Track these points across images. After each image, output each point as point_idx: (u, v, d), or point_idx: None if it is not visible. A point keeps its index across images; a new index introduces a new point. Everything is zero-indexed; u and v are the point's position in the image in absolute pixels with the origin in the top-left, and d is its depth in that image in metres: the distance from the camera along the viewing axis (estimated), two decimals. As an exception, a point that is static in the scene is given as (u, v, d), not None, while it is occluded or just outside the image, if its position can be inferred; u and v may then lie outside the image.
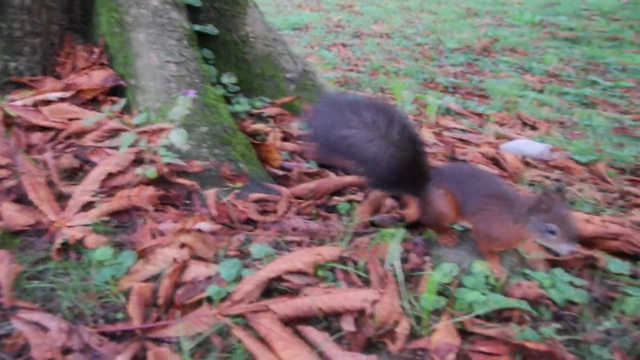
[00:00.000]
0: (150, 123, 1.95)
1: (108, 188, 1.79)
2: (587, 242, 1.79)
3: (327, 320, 1.33)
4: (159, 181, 1.79)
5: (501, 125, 4.21)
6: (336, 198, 1.85)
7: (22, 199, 1.74)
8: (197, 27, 2.33)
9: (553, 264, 1.62)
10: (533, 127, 4.28)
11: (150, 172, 1.72)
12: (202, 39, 2.40)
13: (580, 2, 8.50)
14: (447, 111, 4.35)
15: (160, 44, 2.07)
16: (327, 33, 6.92)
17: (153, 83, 2.02)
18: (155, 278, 1.51)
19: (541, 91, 5.19)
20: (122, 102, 1.71)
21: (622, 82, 5.49)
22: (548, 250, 1.73)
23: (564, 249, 1.36)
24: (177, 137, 1.63)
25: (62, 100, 2.10)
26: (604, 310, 1.46)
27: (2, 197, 1.73)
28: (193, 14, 2.39)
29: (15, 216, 1.65)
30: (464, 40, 6.52)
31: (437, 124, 3.80)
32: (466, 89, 5.14)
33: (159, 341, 1.34)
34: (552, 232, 1.34)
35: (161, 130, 1.86)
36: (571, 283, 1.51)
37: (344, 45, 6.41)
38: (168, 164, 1.74)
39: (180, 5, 2.21)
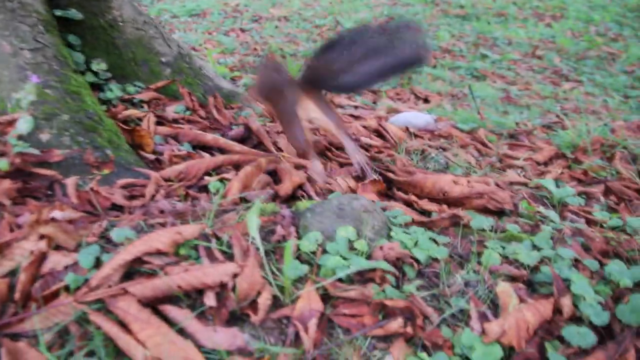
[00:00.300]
0: (5, 114, 1.83)
1: (-39, 185, 1.67)
2: (454, 202, 1.87)
3: (191, 298, 1.31)
4: (17, 173, 1.69)
5: (395, 100, 4.32)
6: (207, 178, 1.82)
7: None
8: (59, 12, 2.21)
9: (420, 224, 1.68)
10: (426, 100, 4.42)
11: (3, 163, 1.62)
12: (67, 25, 2.28)
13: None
14: (342, 89, 4.40)
15: (12, 30, 1.94)
16: (225, 18, 6.82)
17: (7, 72, 1.90)
18: (13, 273, 1.43)
19: (435, 66, 5.37)
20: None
21: (509, 54, 5.78)
22: (418, 213, 1.79)
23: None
24: (24, 125, 1.54)
25: None
26: (464, 264, 1.53)
27: None
28: (54, -1, 2.26)
29: None
30: (361, 20, 6.62)
31: (332, 102, 3.83)
32: (363, 68, 5.23)
33: (15, 337, 1.28)
34: None
35: (14, 120, 1.75)
36: (434, 241, 1.57)
37: (243, 30, 6.34)
38: (21, 154, 1.65)
39: (36, -11, 2.08)
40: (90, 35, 2.35)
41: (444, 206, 1.82)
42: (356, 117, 3.35)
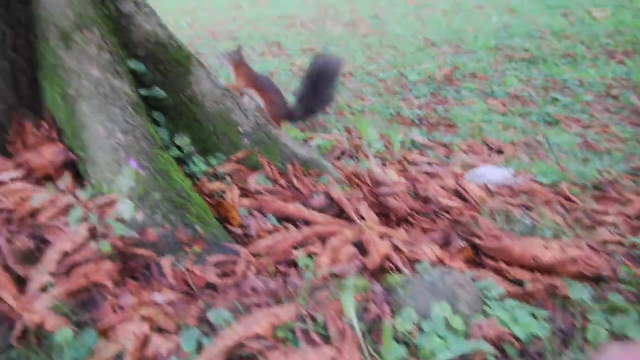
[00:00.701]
0: (103, 195, 1.94)
1: (65, 267, 1.76)
2: (547, 269, 1.80)
3: (289, 383, 1.31)
4: (116, 255, 1.77)
5: (468, 153, 4.26)
6: (295, 252, 1.84)
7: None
8: (143, 92, 2.34)
9: (514, 296, 1.62)
10: (499, 152, 4.33)
11: (104, 245, 1.70)
12: (151, 103, 2.41)
13: (531, 23, 8.75)
14: (414, 144, 4.39)
15: (104, 113, 2.07)
16: (291, 78, 7.01)
17: (102, 154, 2.02)
18: (120, 357, 1.48)
19: (504, 114, 5.29)
20: (68, 177, 1.70)
21: (581, 96, 5.62)
22: (510, 282, 1.74)
23: None
24: (124, 209, 1.62)
25: (13, 180, 2.09)
26: (568, 340, 1.46)
27: (-44, 287, 1.69)
28: (138, 79, 2.40)
29: (-31, 307, 1.62)
30: (425, 70, 6.64)
31: (404, 159, 3.83)
32: (432, 120, 5.21)
33: None
34: None
35: (112, 202, 1.85)
36: (533, 315, 1.51)
37: (309, 88, 6.48)
38: (121, 237, 1.73)
39: (123, 72, 2.22)
40: (172, 111, 2.47)
41: (537, 274, 1.76)
42: (430, 175, 3.32)
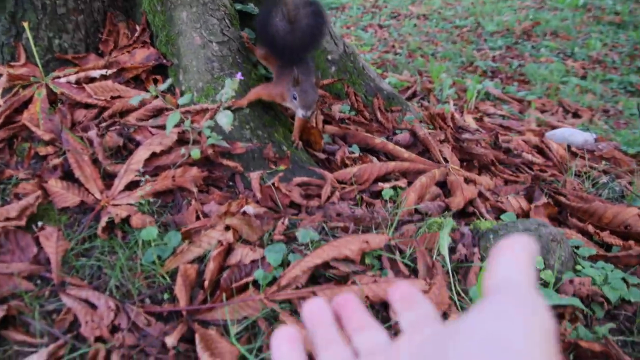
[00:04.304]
0: (194, 103, 1.94)
1: (152, 168, 1.79)
2: (638, 237, 1.73)
3: (374, 309, 1.31)
4: (203, 162, 1.78)
5: (542, 112, 4.10)
6: (380, 184, 1.81)
7: (67, 176, 1.75)
8: (239, 6, 2.30)
9: (605, 260, 1.57)
10: (575, 115, 4.16)
11: (195, 152, 1.71)
12: (243, 18, 2.37)
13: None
14: (487, 96, 4.26)
15: (202, 22, 2.04)
16: (363, 13, 6.82)
17: (196, 62, 2.00)
18: (201, 260, 1.51)
19: (584, 77, 5.05)
20: (168, 82, 1.70)
21: (670, 68, 5.31)
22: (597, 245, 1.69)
23: (300, 112, 1.79)
24: (224, 119, 1.61)
25: (105, 78, 2.10)
26: (659, 309, 1.41)
27: (48, 174, 1.74)
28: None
29: (62, 194, 1.67)
30: (504, 23, 6.36)
31: (477, 109, 3.72)
32: (506, 74, 5.03)
33: (205, 324, 1.35)
34: (295, 98, 1.79)
35: (205, 110, 1.84)
36: (624, 280, 1.46)
37: (381, 26, 6.31)
38: (212, 145, 1.73)
39: (223, -17, 2.18)
40: (263, 30, 2.42)
41: (630, 242, 1.69)
42: (506, 128, 3.22)
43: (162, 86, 1.73)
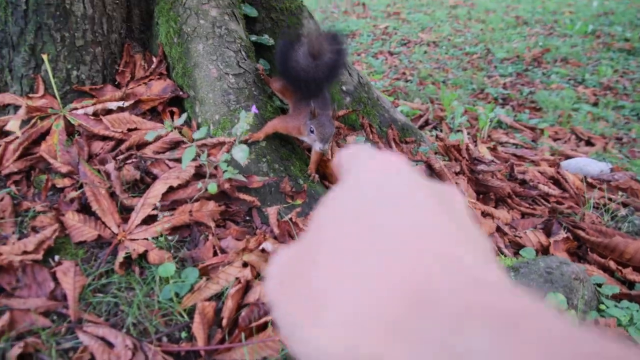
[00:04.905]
0: (210, 136, 1.94)
1: (169, 202, 1.78)
2: (664, 274, 1.70)
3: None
4: (220, 196, 1.78)
5: (555, 139, 4.09)
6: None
7: (84, 209, 1.75)
8: (254, 38, 2.32)
9: (629, 299, 1.55)
10: (588, 143, 4.14)
11: (212, 187, 1.70)
12: (258, 50, 2.39)
13: (636, 12, 8.21)
14: (499, 124, 4.25)
15: (219, 55, 2.06)
16: (373, 40, 6.87)
17: (212, 95, 2.02)
18: (219, 297, 1.50)
19: (595, 104, 5.04)
20: (184, 116, 1.70)
21: (681, 96, 5.28)
22: (618, 281, 1.66)
23: (317, 145, 1.79)
24: (240, 153, 1.61)
25: (121, 109, 2.12)
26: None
27: (66, 207, 1.74)
28: (249, 24, 2.38)
29: (79, 227, 1.66)
30: (514, 49, 6.38)
31: (490, 138, 3.71)
32: (517, 101, 5.02)
33: (222, 364, 1.33)
34: (312, 132, 1.78)
35: (222, 144, 1.84)
36: (650, 320, 1.44)
37: (391, 54, 6.35)
38: (229, 180, 1.73)
39: (239, 16, 2.20)
40: (279, 61, 2.44)
41: (653, 279, 1.67)
42: (519, 157, 3.21)
43: (178, 120, 1.73)
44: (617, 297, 1.54)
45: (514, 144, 3.67)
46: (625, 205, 2.38)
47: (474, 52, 6.36)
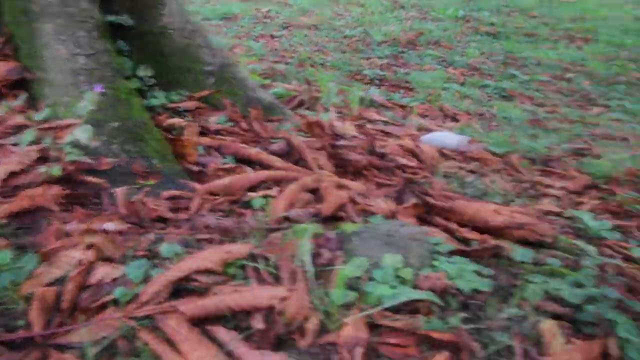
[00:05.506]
0: (58, 118, 1.86)
1: (10, 188, 1.70)
2: (496, 232, 1.86)
3: (237, 319, 1.32)
4: (66, 180, 1.72)
5: (424, 117, 4.31)
6: (251, 194, 1.83)
7: None
8: (111, 18, 2.24)
9: (461, 254, 1.68)
10: (454, 119, 4.41)
11: (56, 170, 1.64)
12: (117, 30, 2.31)
13: (501, -1, 8.83)
14: (372, 103, 4.41)
15: (69, 35, 1.97)
16: (255, 24, 6.85)
17: (61, 76, 1.93)
18: (60, 282, 1.45)
19: (463, 84, 5.36)
20: (23, 96, 1.62)
21: (537, 76, 5.75)
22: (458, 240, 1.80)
23: None
24: (83, 134, 1.56)
25: (-40, 93, 1.98)
26: (508, 298, 1.52)
27: None
28: (106, 3, 2.29)
29: None
30: (391, 33, 6.62)
31: (360, 116, 3.84)
32: (392, 82, 5.23)
33: (61, 348, 1.29)
34: None
35: (68, 126, 1.78)
36: (478, 272, 1.57)
37: (272, 37, 6.37)
38: (74, 162, 1.67)
39: (92, -6, 2.12)
40: (138, 41, 2.37)
41: (486, 236, 1.82)
42: (386, 133, 3.35)
43: (18, 101, 1.65)
44: (453, 254, 1.67)
45: (383, 121, 3.82)
46: (474, 172, 2.57)
47: (353, 35, 6.53)
